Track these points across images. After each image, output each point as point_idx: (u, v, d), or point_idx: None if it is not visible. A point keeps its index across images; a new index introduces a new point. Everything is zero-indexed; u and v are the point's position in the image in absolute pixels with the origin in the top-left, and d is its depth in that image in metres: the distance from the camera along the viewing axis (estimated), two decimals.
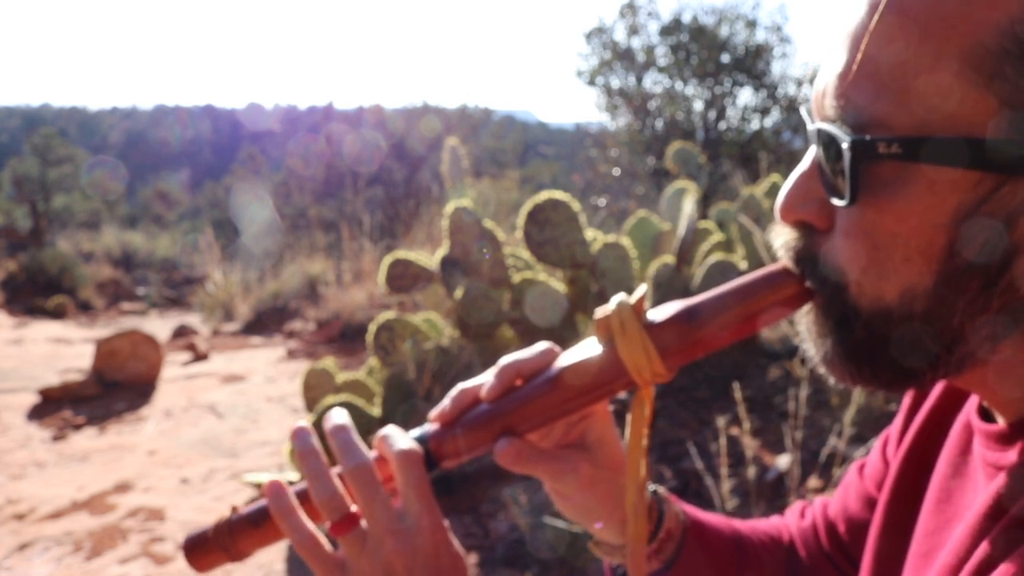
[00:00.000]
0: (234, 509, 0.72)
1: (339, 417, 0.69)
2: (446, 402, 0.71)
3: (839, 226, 0.57)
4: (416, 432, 0.70)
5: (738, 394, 2.66)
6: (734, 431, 3.16)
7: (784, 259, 0.63)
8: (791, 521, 0.95)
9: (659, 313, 0.66)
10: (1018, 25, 0.48)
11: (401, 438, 0.68)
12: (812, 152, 0.59)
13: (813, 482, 2.67)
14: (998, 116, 0.49)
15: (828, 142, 0.55)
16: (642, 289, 0.68)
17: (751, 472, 2.62)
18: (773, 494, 2.76)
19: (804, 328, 0.63)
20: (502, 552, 2.73)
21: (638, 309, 0.66)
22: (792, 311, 0.63)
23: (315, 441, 0.68)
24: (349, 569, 0.65)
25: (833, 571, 0.87)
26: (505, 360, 0.70)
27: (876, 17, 0.52)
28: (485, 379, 0.71)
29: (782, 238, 0.63)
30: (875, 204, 0.53)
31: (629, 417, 0.72)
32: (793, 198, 0.60)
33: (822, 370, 0.62)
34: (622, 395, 0.83)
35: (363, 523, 0.65)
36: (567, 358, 0.69)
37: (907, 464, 0.74)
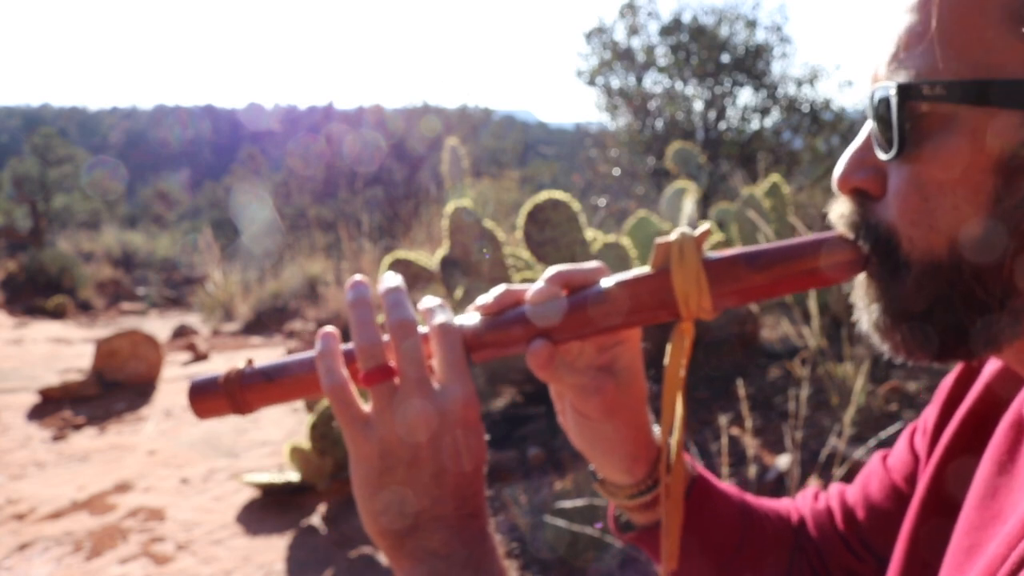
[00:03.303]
0: (249, 362, 0.71)
1: (394, 280, 0.69)
2: (488, 297, 0.71)
3: (891, 186, 0.60)
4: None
5: (741, 391, 2.66)
6: (734, 431, 3.16)
7: (840, 228, 0.66)
8: (803, 503, 0.95)
9: (718, 254, 0.68)
10: None
11: (443, 313, 0.68)
12: (867, 126, 0.62)
13: (813, 482, 2.67)
14: None
15: (879, 101, 0.58)
16: (706, 225, 0.69)
17: (751, 472, 2.62)
18: (773, 494, 2.76)
19: (856, 297, 0.65)
20: (502, 552, 2.73)
21: (699, 242, 0.68)
22: (845, 277, 0.66)
23: (369, 294, 0.68)
24: (372, 425, 0.64)
25: (846, 552, 0.88)
26: (555, 268, 0.71)
27: None
28: (533, 284, 0.71)
29: (839, 209, 0.66)
30: (921, 155, 0.56)
31: (668, 347, 0.72)
32: (849, 168, 0.63)
33: (873, 338, 0.63)
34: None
35: (396, 380, 0.65)
36: (617, 277, 0.70)
37: (947, 461, 0.73)
